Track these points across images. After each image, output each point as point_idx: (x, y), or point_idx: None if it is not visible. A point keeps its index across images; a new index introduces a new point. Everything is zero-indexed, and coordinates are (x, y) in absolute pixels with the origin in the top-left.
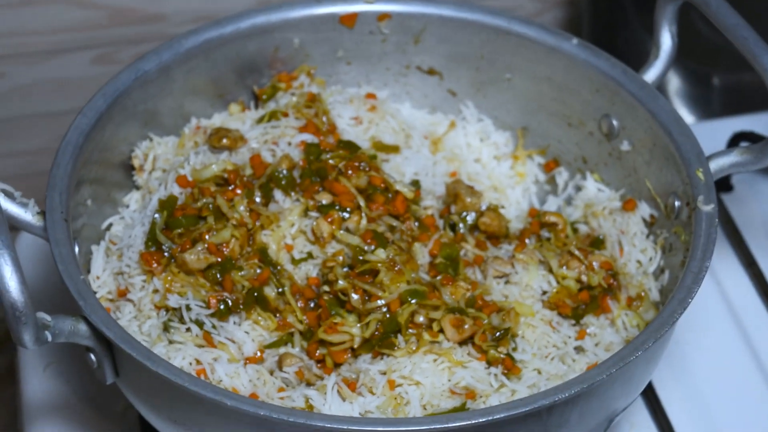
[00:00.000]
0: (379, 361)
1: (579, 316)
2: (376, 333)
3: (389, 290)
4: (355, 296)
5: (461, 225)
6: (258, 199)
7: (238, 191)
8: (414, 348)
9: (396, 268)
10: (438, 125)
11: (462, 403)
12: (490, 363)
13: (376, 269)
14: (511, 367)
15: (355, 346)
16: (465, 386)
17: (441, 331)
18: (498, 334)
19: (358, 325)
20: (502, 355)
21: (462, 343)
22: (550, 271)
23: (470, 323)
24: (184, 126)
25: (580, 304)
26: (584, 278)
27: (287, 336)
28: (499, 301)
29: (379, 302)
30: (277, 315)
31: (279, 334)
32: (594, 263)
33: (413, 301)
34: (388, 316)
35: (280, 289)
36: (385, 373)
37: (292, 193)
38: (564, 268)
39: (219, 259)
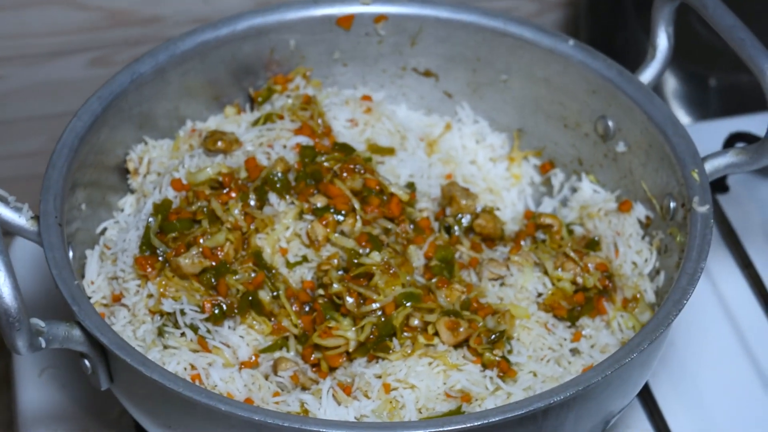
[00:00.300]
0: (374, 365)
1: (574, 318)
2: (371, 336)
3: (384, 293)
4: (349, 299)
5: (456, 227)
6: (252, 203)
7: (233, 194)
8: (409, 351)
9: (391, 271)
10: (434, 127)
11: (457, 406)
12: (485, 366)
13: (370, 272)
14: (506, 370)
15: (350, 350)
16: (460, 389)
17: (436, 334)
18: (493, 336)
19: (353, 328)
20: (497, 358)
21: (457, 346)
22: (546, 273)
23: (465, 326)
24: (179, 129)
25: (576, 306)
26: (579, 280)
27: (282, 340)
28: (494, 303)
29: (374, 305)
30: (272, 319)
31: (274, 338)
32: (589, 265)
33: (408, 304)
34: (383, 319)
35: (275, 293)
36: (380, 377)
37: (287, 196)
38: (559, 269)
39: (213, 263)
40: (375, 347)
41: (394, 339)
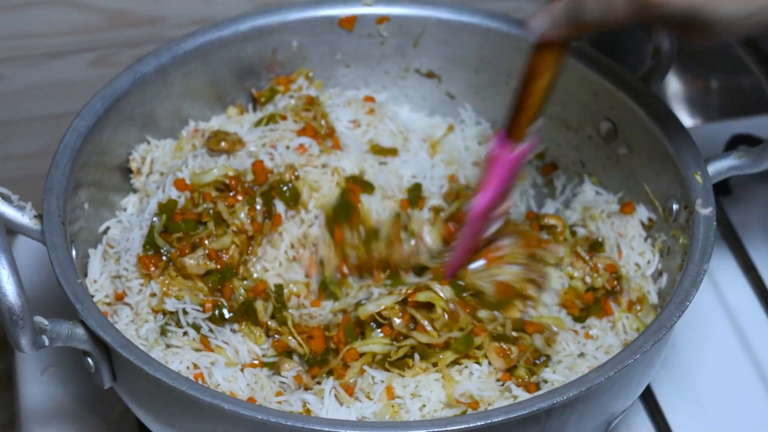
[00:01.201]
0: (380, 370)
1: (583, 318)
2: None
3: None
4: (397, 320)
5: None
6: (259, 207)
7: (240, 198)
8: (423, 368)
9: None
10: (436, 128)
11: (462, 411)
12: (514, 380)
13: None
14: (532, 391)
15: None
16: (470, 395)
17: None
18: (538, 360)
19: (386, 343)
20: (532, 381)
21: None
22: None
23: (515, 350)
24: (181, 129)
25: (585, 305)
26: (588, 279)
27: (285, 356)
28: (537, 318)
29: (424, 338)
30: (275, 335)
31: (273, 353)
32: (599, 265)
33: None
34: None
35: (275, 307)
36: (383, 382)
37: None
38: (569, 267)
39: (218, 267)
40: (393, 363)
41: (416, 355)
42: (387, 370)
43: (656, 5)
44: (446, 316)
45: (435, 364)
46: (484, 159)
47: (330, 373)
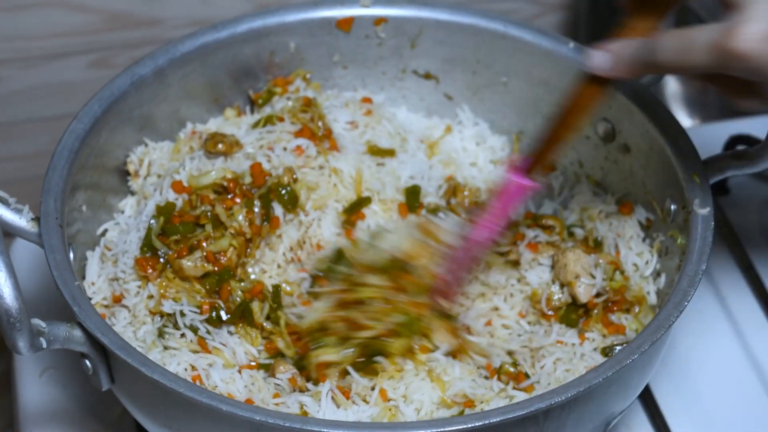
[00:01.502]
0: (371, 377)
1: (575, 323)
2: (361, 358)
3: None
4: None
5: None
6: (257, 209)
7: (238, 200)
8: (400, 367)
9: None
10: (434, 129)
11: (459, 411)
12: (500, 377)
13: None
14: (522, 380)
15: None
16: (464, 395)
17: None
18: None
19: (340, 351)
20: (518, 369)
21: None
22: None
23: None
24: (179, 131)
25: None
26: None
27: (280, 358)
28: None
29: (366, 333)
30: (269, 336)
31: (268, 355)
32: (600, 261)
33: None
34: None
35: (270, 308)
36: (374, 388)
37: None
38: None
39: (216, 269)
40: (363, 369)
41: (380, 358)
42: (364, 375)
43: (740, 57)
44: (378, 304)
45: (403, 357)
46: (495, 186)
47: (309, 378)
